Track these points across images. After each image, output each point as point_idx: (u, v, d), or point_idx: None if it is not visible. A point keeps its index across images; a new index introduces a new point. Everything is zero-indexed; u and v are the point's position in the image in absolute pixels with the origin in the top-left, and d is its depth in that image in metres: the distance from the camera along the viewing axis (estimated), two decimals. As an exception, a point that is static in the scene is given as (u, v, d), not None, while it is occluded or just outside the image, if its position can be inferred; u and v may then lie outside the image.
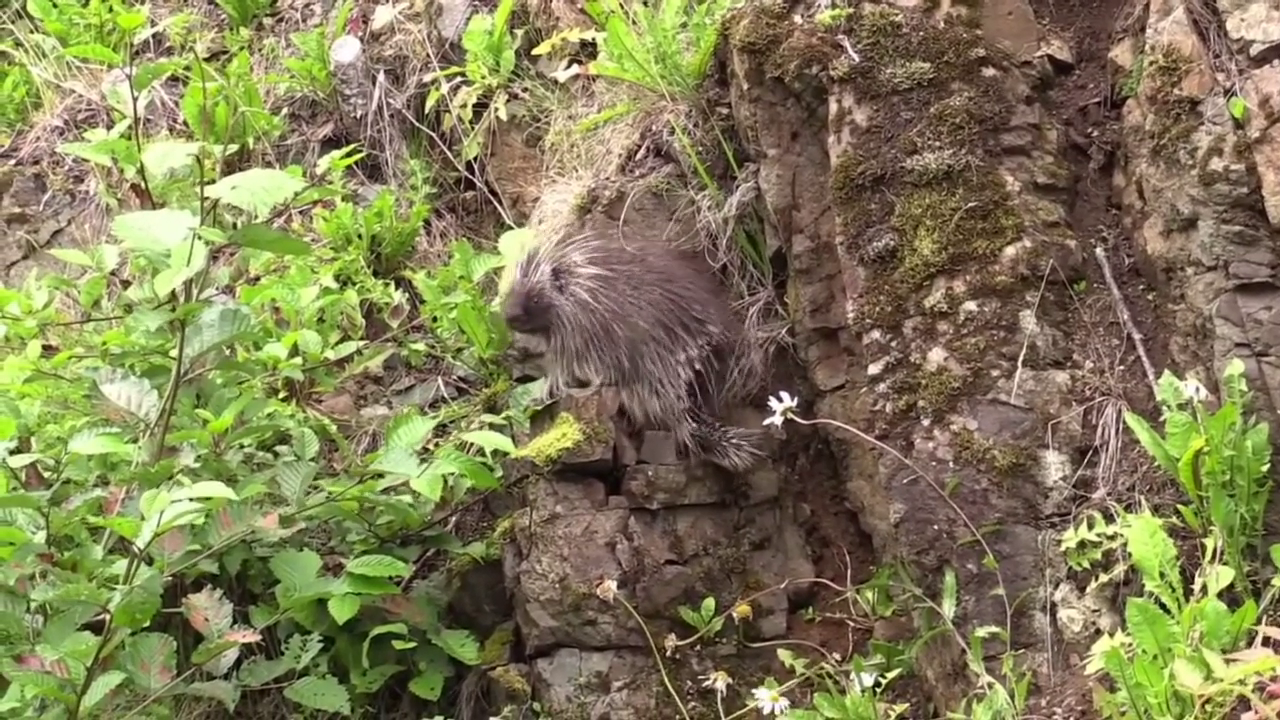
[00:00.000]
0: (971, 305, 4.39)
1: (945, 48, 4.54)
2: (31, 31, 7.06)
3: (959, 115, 4.48)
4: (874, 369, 4.46)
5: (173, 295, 4.03)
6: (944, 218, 4.42)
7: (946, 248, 4.41)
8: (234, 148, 6.07)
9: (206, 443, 4.33)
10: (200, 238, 3.64)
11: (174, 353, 4.11)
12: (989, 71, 4.55)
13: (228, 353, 4.61)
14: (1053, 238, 4.45)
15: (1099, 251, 4.52)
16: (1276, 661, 3.33)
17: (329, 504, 4.51)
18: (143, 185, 4.05)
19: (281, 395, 5.27)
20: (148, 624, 3.97)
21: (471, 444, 4.94)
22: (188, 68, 6.24)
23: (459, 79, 6.05)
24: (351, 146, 6.09)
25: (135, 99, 4.17)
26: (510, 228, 5.72)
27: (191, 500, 3.64)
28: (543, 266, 4.78)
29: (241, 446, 4.72)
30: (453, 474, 4.45)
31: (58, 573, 3.93)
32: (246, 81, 6.27)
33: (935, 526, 4.28)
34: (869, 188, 4.51)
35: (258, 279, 5.36)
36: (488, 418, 5.00)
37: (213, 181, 3.68)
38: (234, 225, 3.80)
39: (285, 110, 6.49)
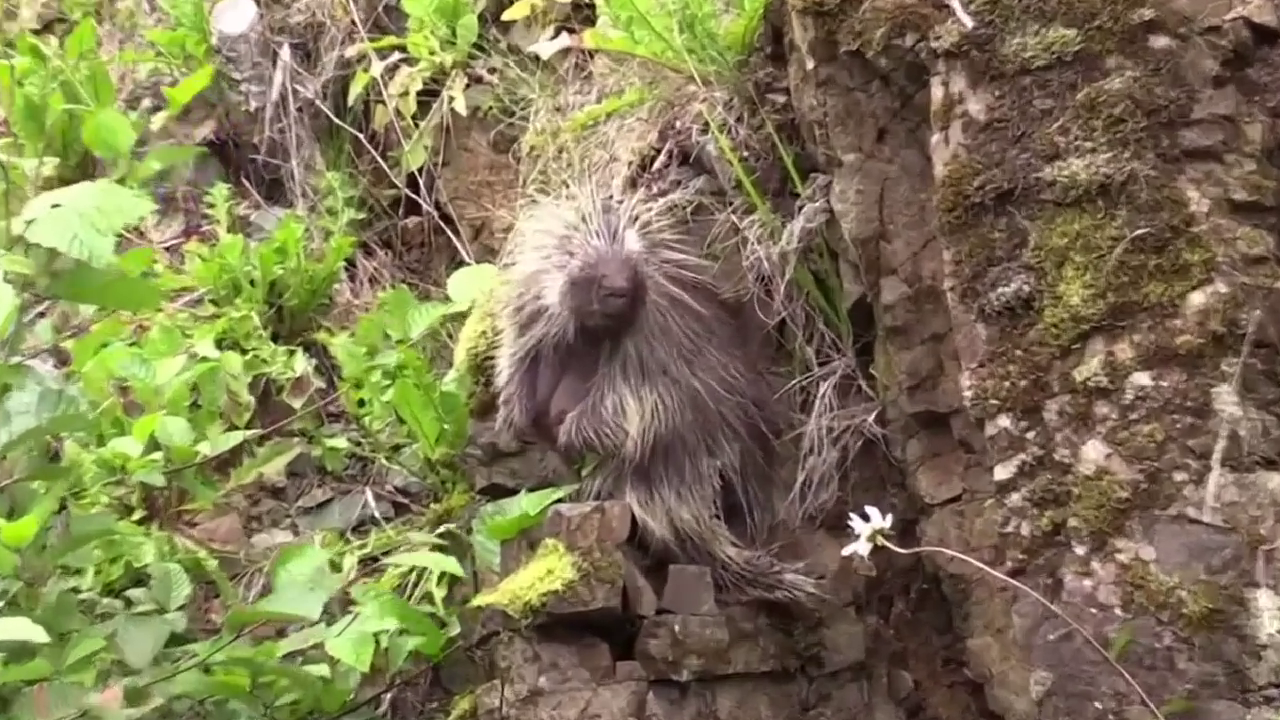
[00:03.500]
0: (1143, 378, 4.32)
1: (1097, 8, 4.48)
2: None
3: (1119, 104, 4.41)
4: (1003, 472, 4.42)
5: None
6: (1100, 251, 4.38)
7: (1104, 295, 4.36)
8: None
9: (10, 568, 4.28)
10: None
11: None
12: (1160, 41, 4.47)
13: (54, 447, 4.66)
14: (1258, 279, 4.36)
15: (1327, 298, 4.50)
16: None
17: (203, 676, 4.45)
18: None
19: (137, 515, 5.27)
20: None
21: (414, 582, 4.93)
22: (10, 43, 6.32)
23: (397, 55, 6.31)
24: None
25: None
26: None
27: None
28: (629, 234, 4.82)
29: (72, 571, 4.70)
30: (387, 632, 4.46)
31: None
32: (92, 61, 6.30)
33: (1097, 704, 4.23)
34: (991, 209, 4.49)
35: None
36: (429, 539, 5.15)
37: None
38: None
39: (148, 102, 6.64)
